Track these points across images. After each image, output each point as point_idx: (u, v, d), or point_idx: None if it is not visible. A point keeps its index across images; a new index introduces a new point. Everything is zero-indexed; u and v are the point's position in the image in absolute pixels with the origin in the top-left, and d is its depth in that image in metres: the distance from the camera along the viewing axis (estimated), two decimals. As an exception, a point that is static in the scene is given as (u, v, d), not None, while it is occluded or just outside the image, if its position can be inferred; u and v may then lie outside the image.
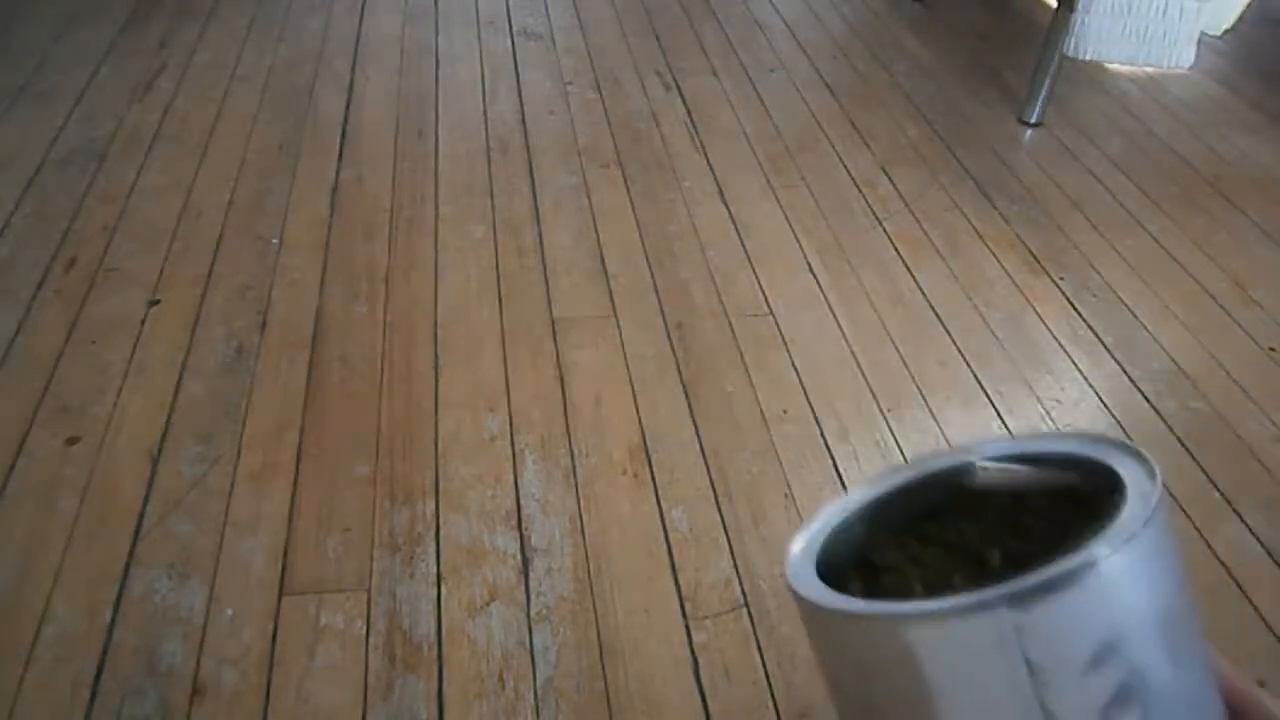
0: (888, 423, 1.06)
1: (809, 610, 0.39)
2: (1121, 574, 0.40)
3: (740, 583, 0.86)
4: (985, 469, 0.42)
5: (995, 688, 0.42)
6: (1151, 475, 0.46)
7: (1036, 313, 1.25)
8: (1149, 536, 0.42)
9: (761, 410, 1.05)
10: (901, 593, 0.40)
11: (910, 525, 0.41)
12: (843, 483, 0.99)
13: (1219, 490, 1.01)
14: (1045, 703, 0.41)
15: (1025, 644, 0.40)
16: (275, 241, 1.24)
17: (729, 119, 1.64)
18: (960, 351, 1.17)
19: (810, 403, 1.07)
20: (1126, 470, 0.44)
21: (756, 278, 1.26)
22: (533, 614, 0.82)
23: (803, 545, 0.42)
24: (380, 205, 1.33)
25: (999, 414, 1.09)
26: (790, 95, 1.74)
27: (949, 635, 0.37)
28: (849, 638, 0.40)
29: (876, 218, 1.42)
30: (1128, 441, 0.46)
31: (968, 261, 1.34)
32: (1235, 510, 0.98)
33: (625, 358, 1.11)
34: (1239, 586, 0.91)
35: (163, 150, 1.42)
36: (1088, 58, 1.62)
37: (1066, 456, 0.43)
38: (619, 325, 1.15)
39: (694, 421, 1.03)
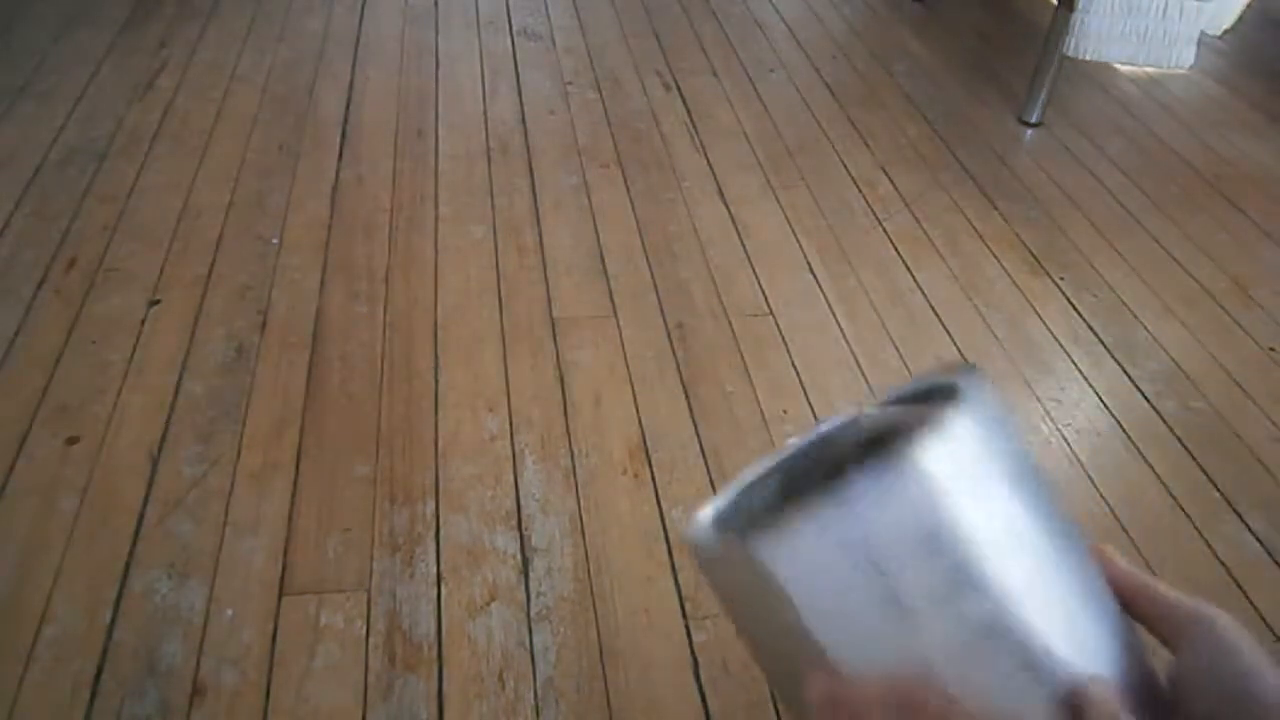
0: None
1: (696, 557, 0.42)
2: (937, 461, 0.41)
3: (740, 583, 0.86)
4: (868, 416, 0.45)
5: (851, 592, 0.43)
6: (981, 379, 0.51)
7: (1036, 313, 1.25)
8: (963, 425, 0.43)
9: (761, 410, 1.05)
10: None
11: (818, 484, 0.43)
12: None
13: (1219, 490, 1.01)
14: (899, 596, 0.42)
15: (861, 541, 0.42)
16: (275, 241, 1.24)
17: (729, 119, 1.64)
18: (960, 351, 1.17)
19: (810, 403, 1.07)
20: (967, 383, 0.45)
21: (756, 278, 1.26)
22: (533, 614, 0.82)
23: (707, 509, 0.43)
24: (380, 205, 1.33)
25: (999, 414, 1.08)
26: (790, 95, 1.74)
27: (795, 548, 0.41)
28: (724, 577, 0.43)
29: (876, 218, 1.42)
30: (970, 364, 0.49)
31: (968, 261, 1.34)
32: (1235, 510, 0.98)
33: (625, 358, 1.11)
34: (1239, 586, 0.91)
35: (163, 150, 1.42)
36: (1088, 58, 1.62)
37: (929, 388, 0.45)
38: (619, 325, 1.15)
39: (694, 421, 1.03)
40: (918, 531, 0.44)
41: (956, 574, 0.42)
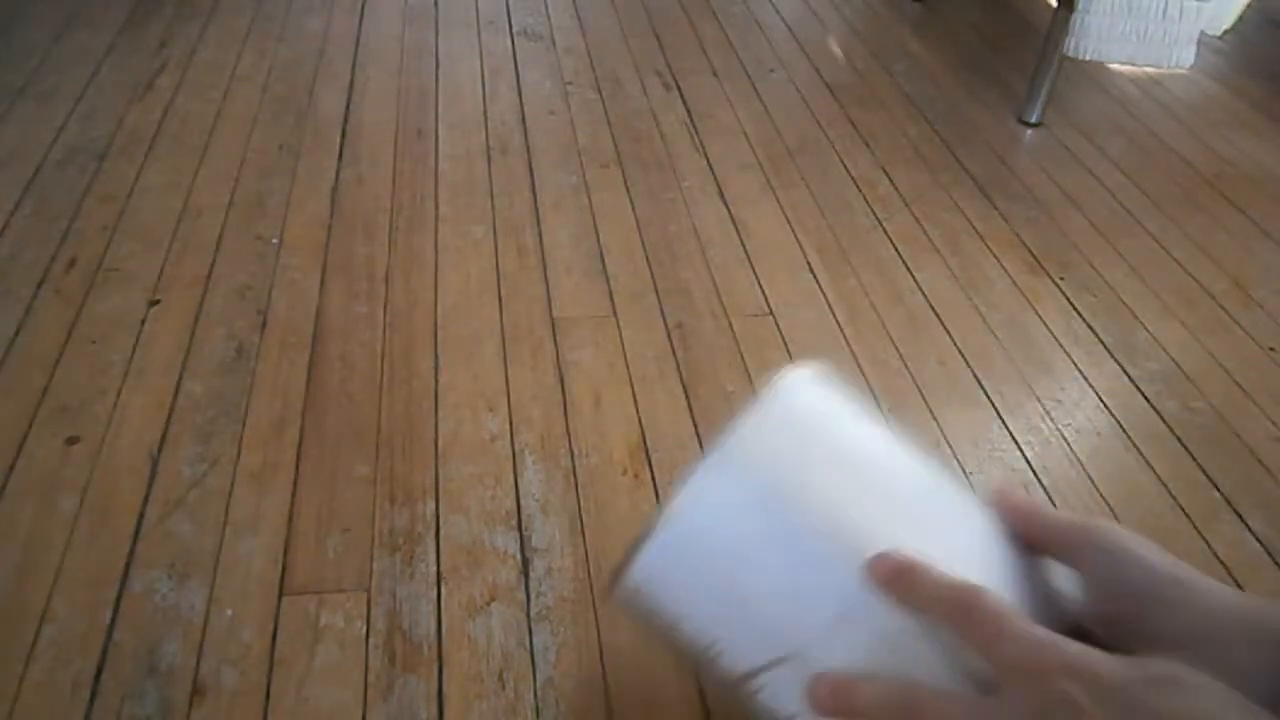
0: (888, 422, 1.06)
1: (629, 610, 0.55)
2: (722, 479, 0.52)
3: (740, 583, 0.86)
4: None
5: (703, 595, 0.53)
6: (792, 381, 0.58)
7: (1036, 313, 1.25)
8: (751, 437, 0.53)
9: (761, 410, 1.05)
10: None
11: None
12: (843, 483, 0.99)
13: (1219, 490, 1.01)
14: (710, 653, 0.52)
15: (657, 598, 0.53)
16: (275, 241, 1.24)
17: (729, 119, 1.64)
18: (960, 351, 1.17)
19: (810, 403, 1.07)
20: (773, 390, 0.56)
21: (756, 278, 1.26)
22: (533, 614, 0.82)
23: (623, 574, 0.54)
24: (380, 205, 1.33)
25: (999, 414, 1.09)
26: (790, 95, 1.74)
27: (664, 560, 0.53)
28: (637, 617, 0.55)
29: (876, 218, 1.42)
30: (801, 367, 0.59)
31: (968, 261, 1.34)
32: (1235, 510, 0.98)
33: (625, 358, 1.11)
34: (1239, 586, 0.91)
35: (163, 150, 1.42)
36: (1088, 58, 1.62)
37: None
38: (619, 325, 1.15)
39: (694, 421, 1.03)
40: (708, 584, 0.52)
41: (790, 556, 0.50)
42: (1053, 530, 0.50)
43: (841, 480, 0.53)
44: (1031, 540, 0.51)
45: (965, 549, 0.51)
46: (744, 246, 1.32)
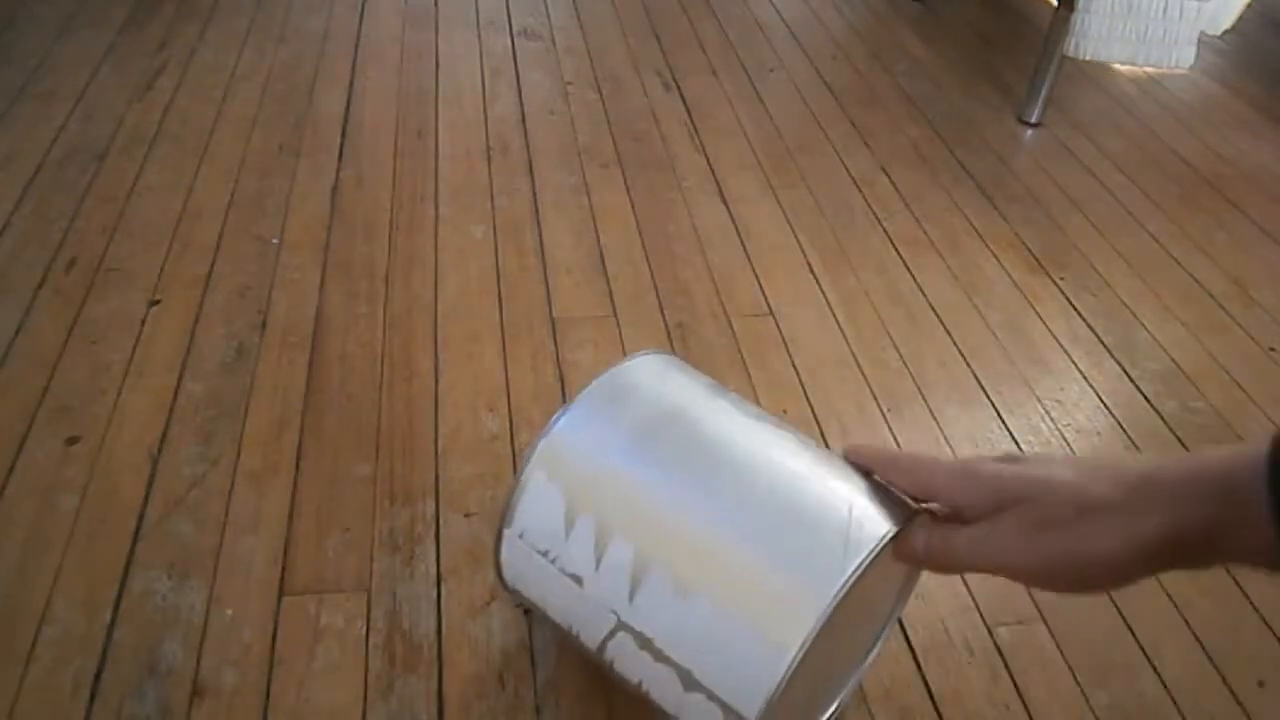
0: (888, 423, 1.06)
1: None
2: (548, 461, 0.63)
3: (740, 583, 0.86)
4: None
5: (546, 583, 0.63)
6: (614, 372, 0.70)
7: (1036, 313, 1.25)
8: (563, 428, 0.65)
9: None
10: None
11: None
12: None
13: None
14: (565, 571, 0.61)
15: (526, 542, 0.63)
16: (275, 241, 1.24)
17: (729, 119, 1.64)
18: (960, 351, 1.17)
19: (810, 403, 1.07)
20: (594, 382, 0.70)
21: (756, 278, 1.26)
22: (533, 614, 0.82)
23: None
24: (380, 205, 1.33)
25: (999, 414, 1.09)
26: (790, 95, 1.74)
27: (511, 556, 0.65)
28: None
29: (876, 218, 1.42)
30: (638, 355, 0.71)
31: (968, 261, 1.34)
32: (1235, 510, 0.98)
33: (625, 358, 1.11)
34: (1239, 586, 0.91)
35: (163, 150, 1.42)
36: (1088, 58, 1.62)
37: None
38: (619, 325, 1.15)
39: (694, 421, 1.03)
40: (557, 520, 0.61)
41: (598, 537, 0.59)
42: (889, 461, 0.58)
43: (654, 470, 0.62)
44: (889, 478, 0.59)
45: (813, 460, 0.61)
46: (744, 246, 1.32)
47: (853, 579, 0.52)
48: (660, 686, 0.58)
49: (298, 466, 0.94)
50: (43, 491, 0.89)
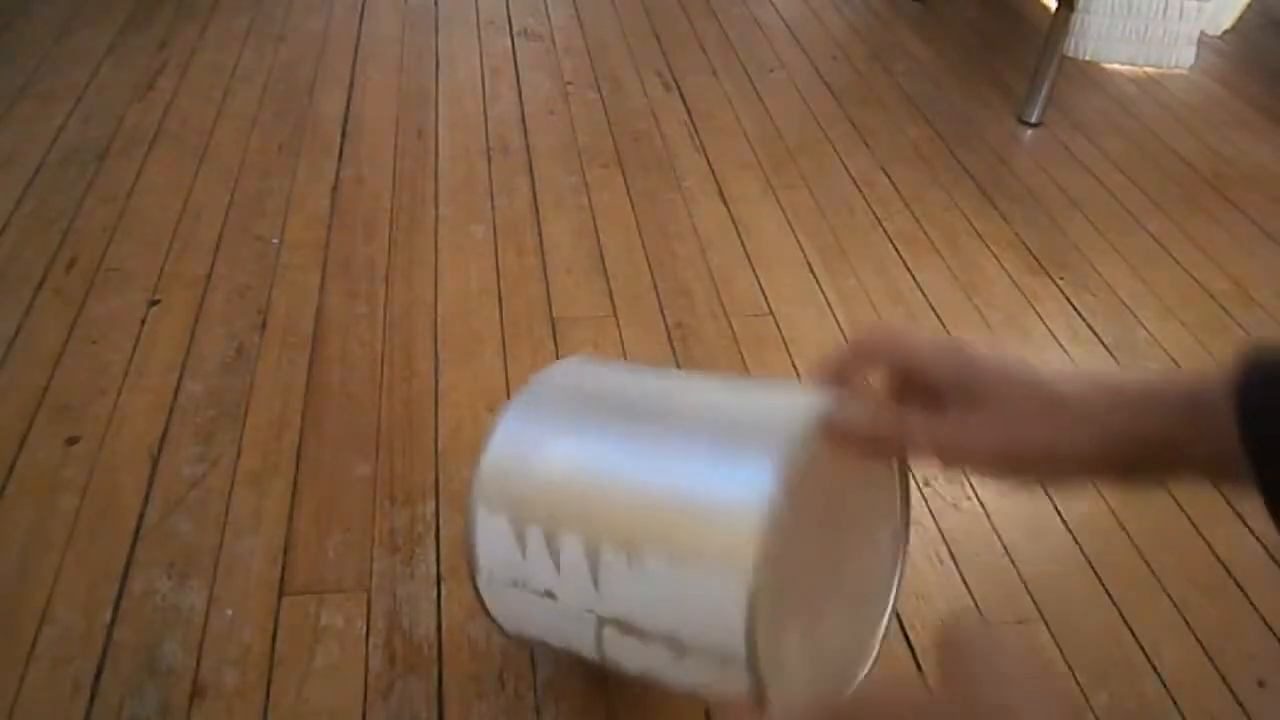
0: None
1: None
2: (485, 498, 0.61)
3: (740, 583, 0.86)
4: None
5: (531, 612, 0.63)
6: (548, 370, 0.70)
7: (1036, 313, 1.25)
8: (490, 451, 0.63)
9: (761, 410, 1.05)
10: None
11: None
12: (843, 483, 0.99)
13: (1219, 490, 1.01)
14: (538, 591, 0.60)
15: (498, 582, 0.63)
16: (275, 241, 1.24)
17: (729, 119, 1.64)
18: (960, 351, 1.17)
19: (810, 403, 1.07)
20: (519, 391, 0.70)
21: (756, 278, 1.26)
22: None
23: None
24: (380, 205, 1.33)
25: (999, 414, 1.08)
26: (790, 95, 1.74)
27: (494, 603, 0.66)
28: None
29: (876, 218, 1.42)
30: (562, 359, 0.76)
31: (968, 261, 1.34)
32: (1235, 510, 0.98)
33: (625, 357, 1.11)
34: (1239, 586, 0.91)
35: (163, 150, 1.42)
36: (1088, 58, 1.62)
37: None
38: (619, 325, 1.15)
39: (694, 421, 1.03)
40: (510, 531, 0.61)
41: (547, 537, 0.58)
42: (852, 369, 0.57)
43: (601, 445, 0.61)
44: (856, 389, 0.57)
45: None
46: (744, 246, 1.32)
47: (789, 476, 0.48)
48: (661, 666, 0.55)
49: (297, 466, 0.94)
50: (43, 491, 0.89)
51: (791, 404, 0.53)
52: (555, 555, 0.57)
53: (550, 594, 0.58)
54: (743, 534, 0.48)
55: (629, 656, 0.57)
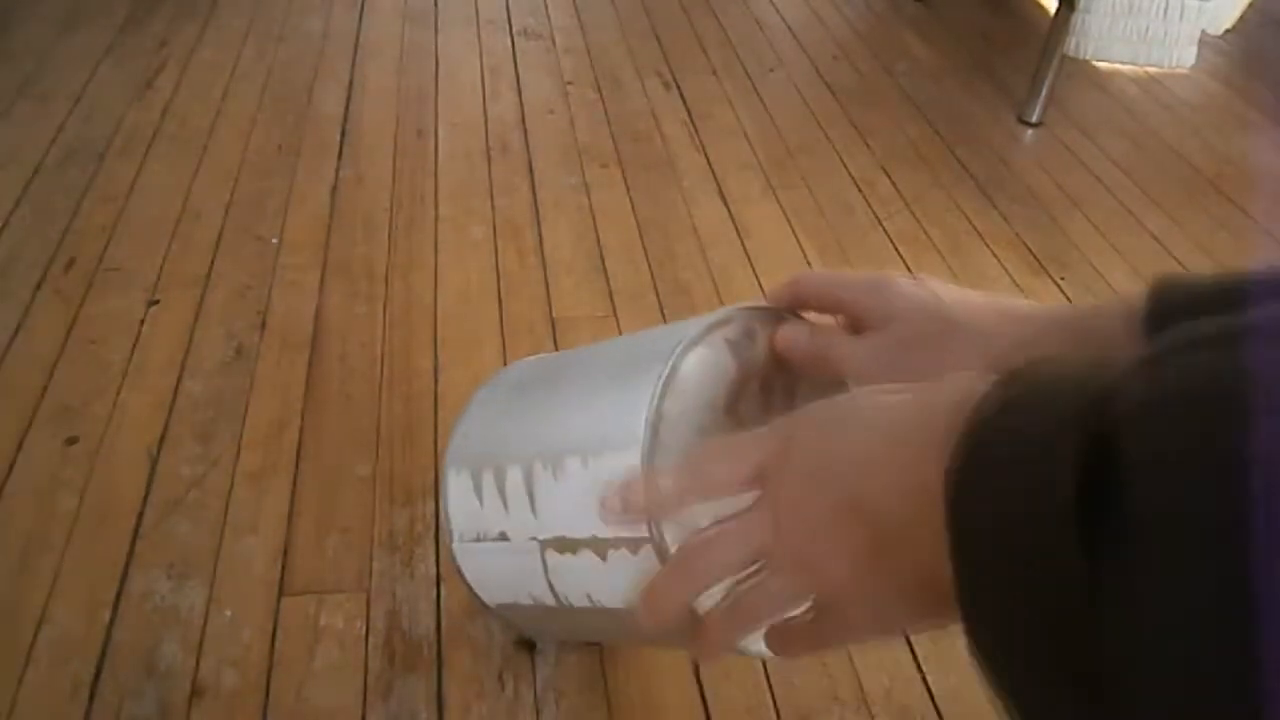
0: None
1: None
2: (454, 461, 0.68)
3: (740, 583, 0.86)
4: None
5: (498, 570, 0.67)
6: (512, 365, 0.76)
7: (1037, 312, 1.25)
8: (462, 423, 0.69)
9: (762, 410, 1.05)
10: None
11: None
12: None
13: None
14: (494, 536, 0.63)
15: (466, 542, 0.67)
16: (275, 241, 1.24)
17: (729, 119, 1.64)
18: (961, 351, 1.17)
19: (810, 403, 1.07)
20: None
21: (756, 278, 1.26)
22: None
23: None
24: (380, 205, 1.33)
25: (999, 414, 1.08)
26: (790, 95, 1.74)
27: (468, 567, 0.71)
28: None
29: (876, 218, 1.41)
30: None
31: (968, 261, 1.34)
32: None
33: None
34: (1240, 586, 0.91)
35: (162, 150, 1.41)
36: (1088, 58, 1.62)
37: None
38: (619, 325, 1.15)
39: (694, 421, 1.03)
40: (470, 476, 0.65)
41: (500, 489, 0.61)
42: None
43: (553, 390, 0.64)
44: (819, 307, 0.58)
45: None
46: (744, 246, 1.32)
47: (681, 356, 0.49)
48: (596, 580, 0.54)
49: (297, 467, 0.94)
50: (42, 491, 0.89)
51: (697, 321, 0.53)
52: (503, 492, 0.60)
53: (504, 535, 0.61)
54: (640, 409, 0.48)
55: (573, 584, 0.57)
